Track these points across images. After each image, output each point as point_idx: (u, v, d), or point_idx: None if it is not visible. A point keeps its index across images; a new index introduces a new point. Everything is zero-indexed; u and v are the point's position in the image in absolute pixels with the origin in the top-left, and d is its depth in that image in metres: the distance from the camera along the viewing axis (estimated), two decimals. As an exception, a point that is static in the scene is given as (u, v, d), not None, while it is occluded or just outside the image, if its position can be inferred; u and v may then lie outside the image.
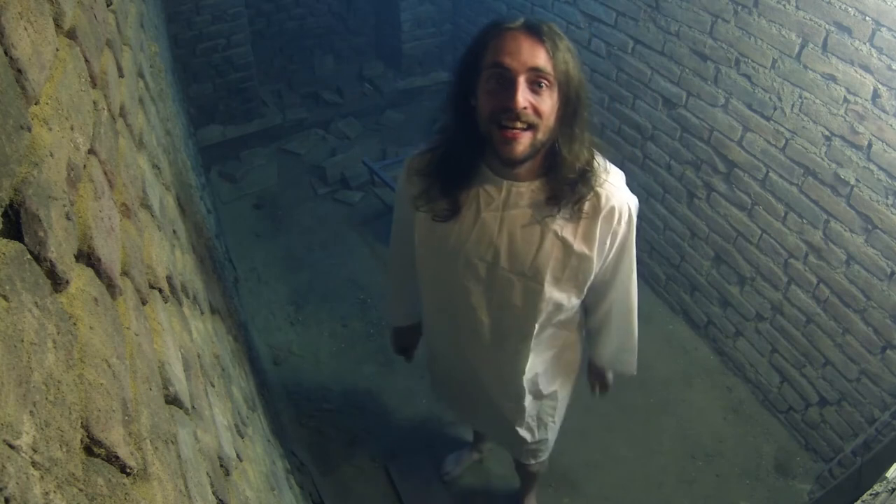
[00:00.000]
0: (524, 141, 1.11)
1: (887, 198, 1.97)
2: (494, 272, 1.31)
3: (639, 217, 1.33)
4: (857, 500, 1.31)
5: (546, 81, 1.08)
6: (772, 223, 2.42)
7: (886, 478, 1.31)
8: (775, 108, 2.27)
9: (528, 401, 1.59)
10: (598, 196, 1.22)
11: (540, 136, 1.12)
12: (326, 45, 4.77)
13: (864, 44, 1.91)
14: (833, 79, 2.04)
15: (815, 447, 2.47)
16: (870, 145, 1.98)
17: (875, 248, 2.05)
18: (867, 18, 1.88)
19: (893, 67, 1.85)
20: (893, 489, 1.12)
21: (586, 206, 1.22)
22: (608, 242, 1.27)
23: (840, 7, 1.95)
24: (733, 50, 2.37)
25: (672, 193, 2.86)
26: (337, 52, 4.80)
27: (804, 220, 2.28)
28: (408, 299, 1.65)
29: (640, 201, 3.41)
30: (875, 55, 1.89)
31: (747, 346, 2.69)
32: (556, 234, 1.24)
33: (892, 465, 1.49)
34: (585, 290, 1.36)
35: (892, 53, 1.85)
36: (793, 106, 2.21)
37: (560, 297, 1.34)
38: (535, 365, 1.52)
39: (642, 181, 3.01)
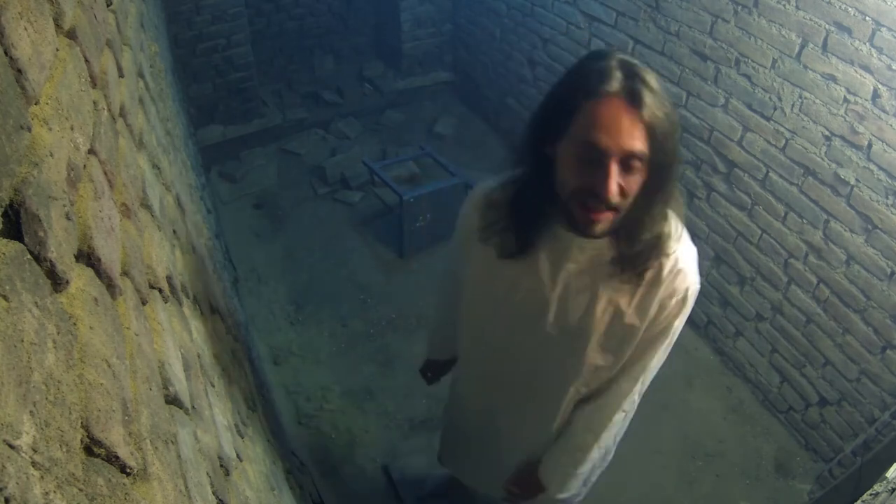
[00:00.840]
0: (604, 222, 1.01)
1: (887, 198, 1.97)
2: (540, 325, 1.23)
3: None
4: (857, 500, 1.31)
5: (639, 164, 0.97)
6: (772, 223, 2.42)
7: (886, 478, 1.31)
8: (775, 108, 2.27)
9: None
10: (661, 267, 1.11)
11: (622, 214, 1.01)
12: (326, 45, 4.77)
13: (864, 44, 1.91)
14: (833, 79, 2.04)
15: (815, 447, 2.47)
16: (870, 145, 1.98)
17: (875, 248, 2.05)
18: (867, 18, 1.88)
19: (893, 67, 1.85)
20: (893, 489, 1.12)
21: (648, 274, 1.11)
22: (653, 312, 1.15)
23: (840, 7, 1.95)
24: (733, 50, 2.37)
25: (672, 193, 2.86)
26: (337, 52, 4.80)
27: (804, 220, 2.28)
28: (449, 334, 1.59)
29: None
30: (875, 55, 1.89)
31: (747, 346, 2.69)
32: (609, 299, 1.15)
33: (892, 465, 1.49)
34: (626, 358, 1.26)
35: (892, 53, 1.85)
36: (793, 106, 2.21)
37: (602, 363, 1.25)
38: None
39: (642, 181, 3.00)
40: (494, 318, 1.33)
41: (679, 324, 1.18)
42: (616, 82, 0.95)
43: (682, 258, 1.11)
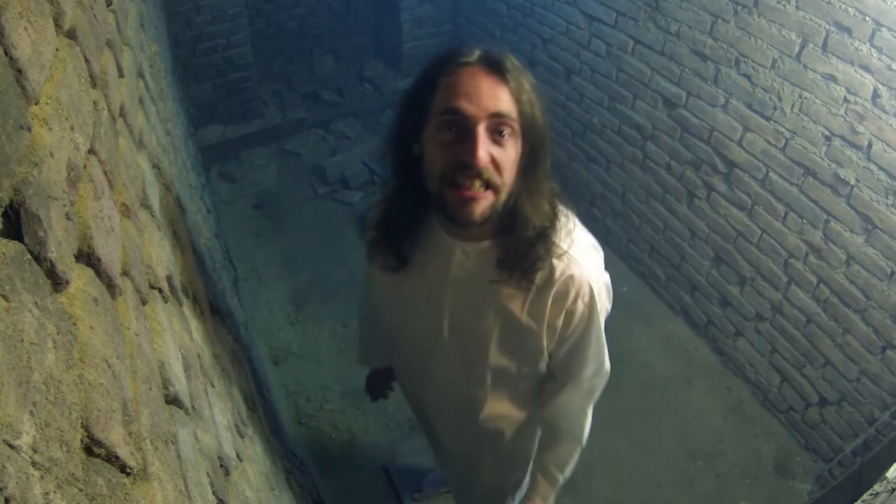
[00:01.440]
0: (484, 203, 0.93)
1: (887, 198, 1.97)
2: (438, 333, 1.20)
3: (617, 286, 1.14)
4: (857, 500, 1.31)
5: (509, 129, 0.91)
6: (772, 223, 2.42)
7: (886, 478, 1.31)
8: (775, 108, 2.27)
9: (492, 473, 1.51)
10: (552, 268, 1.03)
11: (502, 196, 0.95)
12: (326, 45, 4.77)
13: (864, 44, 1.91)
14: (833, 79, 2.04)
15: (815, 447, 2.47)
16: (870, 145, 1.98)
17: (875, 248, 2.05)
18: (867, 18, 1.88)
19: (893, 67, 1.85)
20: (893, 489, 1.12)
21: (538, 276, 1.04)
22: (561, 322, 1.09)
23: (840, 7, 1.95)
24: (733, 50, 2.37)
25: (672, 193, 2.86)
26: (337, 52, 4.80)
27: (804, 220, 2.28)
28: (377, 342, 1.56)
29: (639, 201, 3.36)
30: (875, 55, 1.89)
31: (747, 346, 2.69)
32: (501, 303, 1.09)
33: (892, 465, 1.49)
34: (540, 364, 1.20)
35: (892, 53, 1.85)
36: (793, 106, 2.21)
37: (505, 364, 1.20)
38: (495, 440, 1.39)
39: (642, 181, 3.01)
40: (399, 331, 1.33)
41: (595, 321, 1.11)
42: (475, 55, 0.92)
43: (575, 257, 1.04)
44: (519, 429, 1.38)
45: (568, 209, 1.07)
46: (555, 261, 1.03)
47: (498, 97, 0.89)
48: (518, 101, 0.91)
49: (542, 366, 1.21)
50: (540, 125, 0.95)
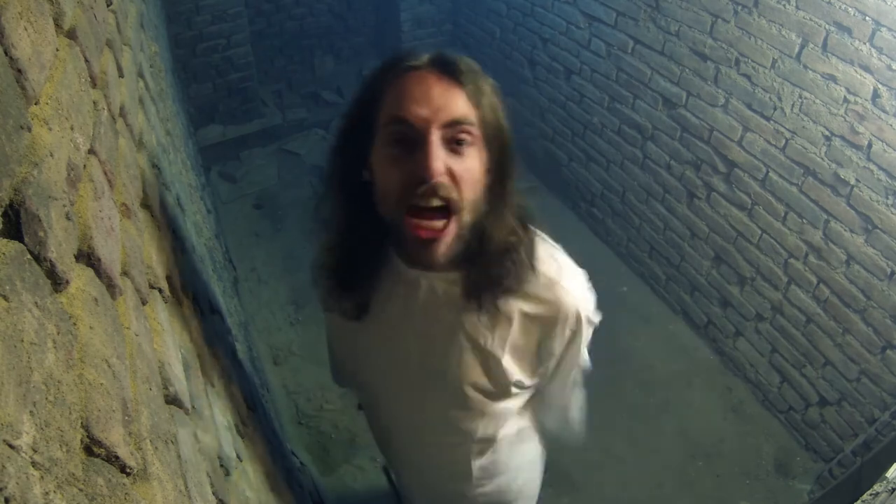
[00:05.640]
0: (447, 238, 0.82)
1: (887, 198, 1.97)
2: (406, 377, 1.08)
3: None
4: (857, 500, 1.31)
5: (469, 136, 0.79)
6: (772, 223, 2.42)
7: (886, 478, 1.31)
8: (775, 108, 2.27)
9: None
10: (528, 282, 0.92)
11: (466, 218, 0.82)
12: (326, 45, 4.77)
13: (864, 44, 1.91)
14: (833, 79, 2.04)
15: (815, 447, 2.47)
16: (870, 145, 1.98)
17: (875, 248, 2.05)
18: (867, 18, 1.88)
19: (893, 67, 1.85)
20: (893, 489, 1.12)
21: (513, 306, 0.93)
22: (544, 352, 1.00)
23: (840, 7, 1.95)
24: (733, 50, 2.37)
25: (672, 193, 2.86)
26: (337, 52, 4.80)
27: (804, 220, 2.28)
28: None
29: (639, 201, 3.36)
30: (875, 55, 1.89)
31: (747, 346, 2.69)
32: (472, 337, 0.97)
33: (892, 465, 1.49)
34: (521, 393, 1.08)
35: (892, 53, 1.85)
36: (793, 106, 2.21)
37: (482, 402, 1.06)
38: (479, 470, 1.23)
39: (642, 181, 3.01)
40: (363, 374, 1.20)
41: (578, 343, 0.99)
42: (424, 58, 0.82)
43: (565, 286, 0.94)
44: (506, 474, 1.24)
45: (542, 231, 0.97)
46: (542, 292, 0.93)
47: (453, 102, 0.79)
48: (477, 105, 0.80)
49: (522, 399, 1.10)
50: (505, 132, 0.84)
